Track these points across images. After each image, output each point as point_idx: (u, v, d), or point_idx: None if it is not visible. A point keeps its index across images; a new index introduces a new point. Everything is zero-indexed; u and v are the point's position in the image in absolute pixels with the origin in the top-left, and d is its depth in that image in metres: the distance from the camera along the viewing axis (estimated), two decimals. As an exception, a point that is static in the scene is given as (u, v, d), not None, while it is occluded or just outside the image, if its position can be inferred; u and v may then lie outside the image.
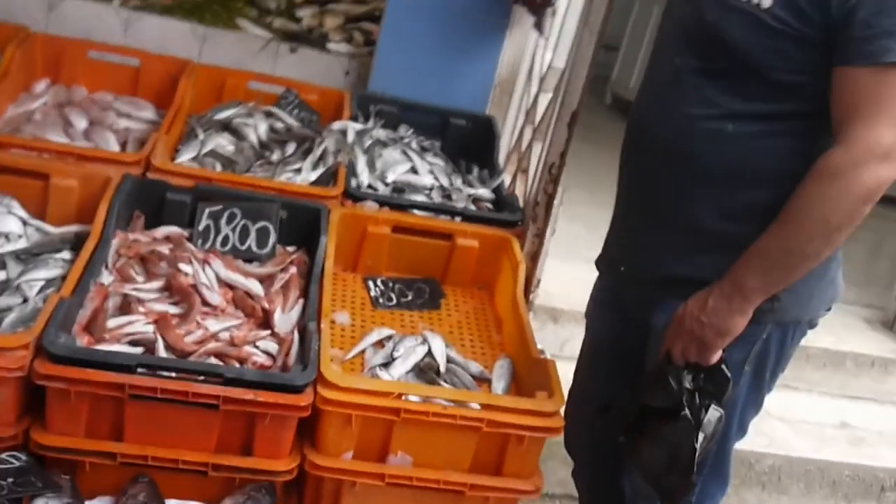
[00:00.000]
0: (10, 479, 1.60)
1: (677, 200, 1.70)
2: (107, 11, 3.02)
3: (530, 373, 2.01)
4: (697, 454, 1.65)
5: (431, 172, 2.64)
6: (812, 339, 1.96)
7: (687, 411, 1.64)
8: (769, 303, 1.63)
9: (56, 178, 2.15)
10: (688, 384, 1.66)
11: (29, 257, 1.98)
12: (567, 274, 2.80)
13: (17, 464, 1.64)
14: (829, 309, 1.81)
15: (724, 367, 1.66)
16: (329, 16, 3.38)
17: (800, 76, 1.55)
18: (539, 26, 2.79)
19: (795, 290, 1.64)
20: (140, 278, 1.99)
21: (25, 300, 1.85)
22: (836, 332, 3.58)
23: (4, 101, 2.54)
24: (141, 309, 1.90)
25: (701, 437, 1.63)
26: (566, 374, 2.02)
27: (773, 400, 1.97)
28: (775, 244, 1.56)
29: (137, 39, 3.01)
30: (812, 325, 1.81)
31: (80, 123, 2.55)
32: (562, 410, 1.83)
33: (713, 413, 1.64)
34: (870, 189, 1.47)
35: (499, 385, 2.05)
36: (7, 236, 2.02)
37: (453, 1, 2.92)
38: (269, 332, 1.98)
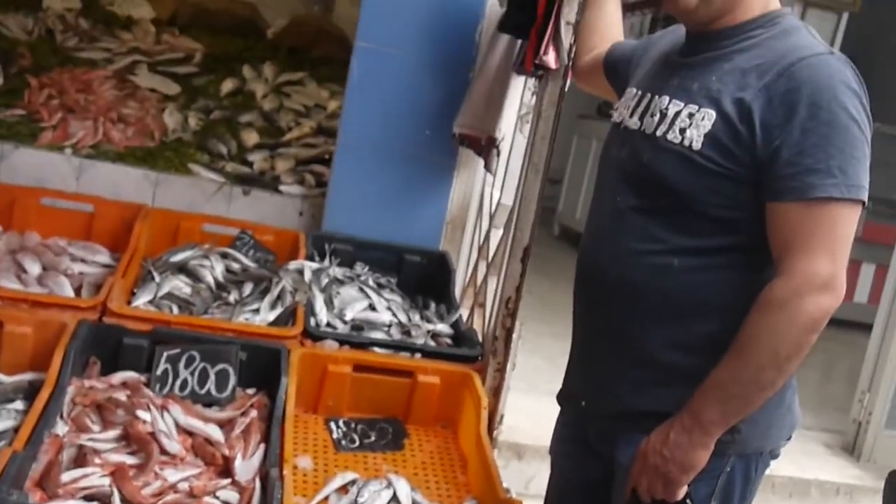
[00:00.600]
0: None
1: (630, 334, 1.73)
2: (59, 159, 3.05)
3: (497, 514, 1.98)
4: None
5: (389, 309, 2.65)
6: (775, 467, 1.96)
7: (661, 549, 1.62)
8: (730, 434, 1.64)
9: (10, 326, 2.11)
10: (656, 521, 1.65)
11: (-21, 409, 1.91)
12: (529, 408, 2.80)
13: None
14: (789, 438, 1.83)
15: (689, 501, 1.66)
16: (280, 159, 3.47)
17: (736, 212, 1.61)
18: (487, 166, 2.89)
19: (755, 421, 1.66)
20: (96, 427, 1.93)
21: (-24, 456, 1.77)
22: (797, 459, 3.59)
23: (-46, 249, 2.51)
24: (97, 460, 1.83)
25: None
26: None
27: (743, 531, 1.95)
28: (728, 376, 1.58)
29: (91, 186, 3.03)
30: (774, 455, 1.82)
31: (34, 269, 2.52)
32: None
33: None
34: (814, 318, 1.52)
35: (466, 527, 2.01)
36: (-43, 389, 1.95)
37: (401, 143, 3.02)
38: (229, 480, 1.92)
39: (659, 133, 1.66)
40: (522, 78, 2.77)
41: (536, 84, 2.56)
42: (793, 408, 1.80)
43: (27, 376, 2.07)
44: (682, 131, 1.62)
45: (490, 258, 2.79)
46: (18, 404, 1.96)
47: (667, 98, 1.68)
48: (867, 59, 4.39)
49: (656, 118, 1.67)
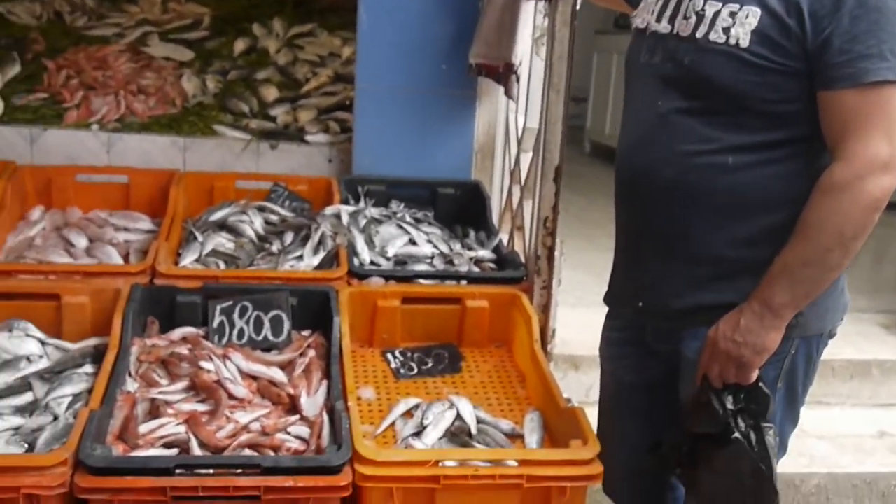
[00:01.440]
0: None
1: (689, 235, 1.75)
2: (87, 136, 3.09)
3: (561, 423, 2.02)
4: (775, 474, 1.66)
5: (430, 241, 2.69)
6: (834, 351, 1.99)
7: (737, 433, 1.66)
8: (794, 318, 1.67)
9: (67, 297, 2.17)
10: (730, 405, 1.68)
11: (52, 375, 1.99)
12: (580, 320, 2.82)
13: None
14: (842, 319, 1.86)
15: (761, 384, 1.69)
16: (302, 111, 3.48)
17: (788, 105, 1.62)
18: (508, 93, 2.88)
19: (815, 303, 1.68)
20: (164, 381, 1.99)
21: (56, 417, 1.85)
22: (855, 342, 3.60)
23: (2, 232, 2.57)
24: (170, 411, 1.90)
25: (771, 456, 1.65)
26: (596, 419, 2.03)
27: (808, 418, 1.98)
28: (796, 260, 1.61)
29: (121, 158, 3.08)
30: (832, 335, 1.85)
31: (81, 242, 2.58)
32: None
33: (767, 430, 1.66)
34: (877, 198, 1.54)
35: (532, 439, 2.05)
36: (28, 358, 2.03)
37: (418, 80, 3.01)
38: (297, 416, 1.98)
39: (699, 35, 1.65)
40: (532, 2, 2.75)
41: (547, 6, 2.54)
42: (845, 290, 1.82)
43: (92, 341, 2.14)
44: (726, 31, 1.61)
45: (523, 182, 2.79)
46: (88, 368, 2.03)
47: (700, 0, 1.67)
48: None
49: (692, 20, 1.66)
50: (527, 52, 2.78)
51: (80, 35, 3.92)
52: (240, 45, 4.02)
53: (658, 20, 1.75)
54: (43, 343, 2.11)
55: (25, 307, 2.17)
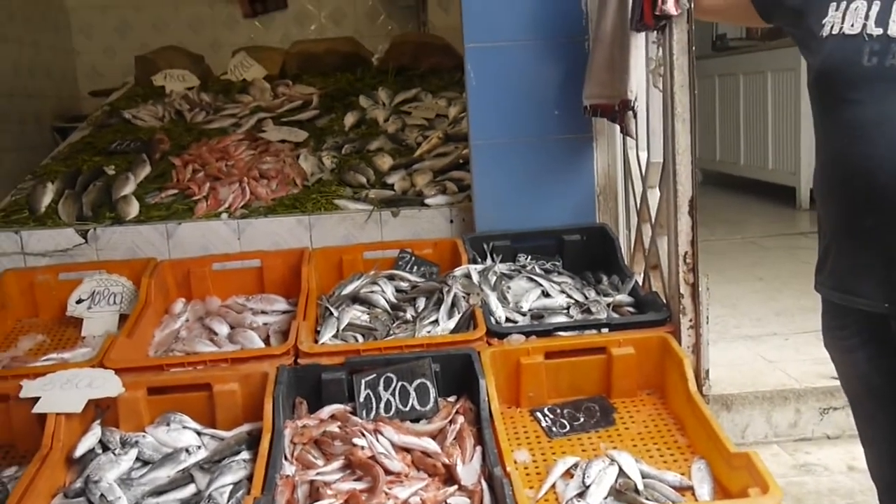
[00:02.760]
0: None
1: None
2: (218, 226, 3.20)
3: (731, 470, 1.90)
4: None
5: (563, 291, 2.62)
6: None
7: None
8: None
9: (218, 386, 2.21)
10: None
11: (212, 465, 2.01)
12: (724, 357, 2.69)
13: None
14: None
15: None
16: (417, 175, 3.51)
17: None
18: (626, 131, 2.81)
19: None
20: (320, 462, 1.99)
21: (220, 509, 1.87)
22: None
23: (149, 327, 2.67)
24: (329, 492, 1.88)
25: None
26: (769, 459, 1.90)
27: None
28: None
29: (251, 242, 3.17)
30: None
31: (223, 330, 2.65)
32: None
33: None
34: None
35: (703, 490, 1.93)
36: (187, 450, 2.06)
37: (532, 130, 2.99)
38: (455, 487, 1.93)
39: None
40: (642, 34, 2.69)
41: (658, 35, 2.48)
42: None
43: (244, 427, 2.17)
44: None
45: (653, 219, 2.71)
46: (244, 454, 2.05)
47: None
48: None
49: None
50: (642, 86, 2.71)
51: (200, 130, 4.12)
52: (349, 119, 4.13)
53: (863, 25, 1.71)
54: (199, 433, 2.16)
55: (180, 399, 2.22)
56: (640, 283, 2.73)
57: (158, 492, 1.97)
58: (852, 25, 1.75)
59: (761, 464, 1.80)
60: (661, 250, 2.60)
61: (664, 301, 2.48)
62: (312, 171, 3.63)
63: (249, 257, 3.03)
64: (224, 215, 3.24)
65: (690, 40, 2.20)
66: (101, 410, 2.19)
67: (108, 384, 2.19)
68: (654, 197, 2.75)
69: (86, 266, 3.00)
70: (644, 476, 1.96)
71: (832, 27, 1.77)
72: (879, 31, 1.68)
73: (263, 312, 2.78)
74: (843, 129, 1.80)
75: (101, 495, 1.90)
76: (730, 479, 1.91)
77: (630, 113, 2.74)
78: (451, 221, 3.20)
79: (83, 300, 2.83)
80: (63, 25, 6.75)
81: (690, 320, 2.31)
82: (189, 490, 1.97)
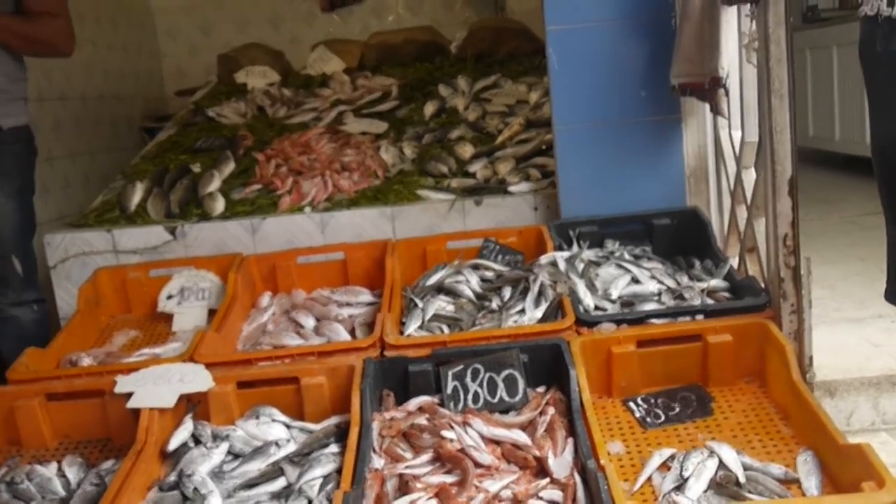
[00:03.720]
0: None
1: None
2: (301, 219, 3.20)
3: (842, 462, 1.79)
4: None
5: (653, 277, 2.53)
6: None
7: None
8: None
9: (306, 379, 2.21)
10: None
11: (301, 458, 2.01)
12: (825, 342, 2.55)
13: None
14: None
15: None
16: (499, 163, 3.45)
17: None
18: (716, 110, 2.70)
19: None
20: (408, 455, 1.96)
21: (310, 501, 1.86)
22: None
23: (237, 321, 2.69)
24: (419, 485, 1.85)
25: None
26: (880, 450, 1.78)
27: None
28: None
29: (335, 235, 3.17)
30: None
31: (309, 323, 2.65)
32: None
33: None
34: None
35: (810, 483, 1.83)
36: (277, 443, 2.07)
37: (617, 112, 2.90)
38: (547, 479, 1.88)
39: None
40: (734, 6, 2.57)
41: (751, 7, 2.36)
42: None
43: (332, 420, 2.16)
44: None
45: (749, 200, 2.59)
46: (333, 447, 2.04)
47: None
48: None
49: None
50: (734, 62, 2.59)
51: (282, 125, 4.15)
52: (429, 109, 4.09)
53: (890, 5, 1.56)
54: (288, 426, 2.16)
55: (268, 393, 2.23)
56: (735, 268, 2.61)
57: (249, 485, 1.98)
58: (871, 6, 1.64)
59: (876, 456, 1.69)
60: (758, 233, 2.48)
61: (762, 285, 2.37)
62: (394, 161, 3.61)
63: (333, 250, 3.03)
64: (307, 209, 3.25)
65: (788, 11, 2.08)
66: (193, 405, 2.22)
67: (198, 379, 2.22)
68: (749, 178, 2.63)
69: (175, 262, 3.05)
70: (746, 468, 1.86)
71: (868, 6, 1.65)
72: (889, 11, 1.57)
73: (348, 304, 2.78)
74: None
75: (195, 489, 1.92)
76: (840, 471, 1.80)
77: (721, 91, 2.63)
78: (536, 209, 3.14)
79: (173, 296, 2.88)
80: (149, 28, 6.91)
81: (792, 305, 2.19)
82: (279, 483, 1.97)
